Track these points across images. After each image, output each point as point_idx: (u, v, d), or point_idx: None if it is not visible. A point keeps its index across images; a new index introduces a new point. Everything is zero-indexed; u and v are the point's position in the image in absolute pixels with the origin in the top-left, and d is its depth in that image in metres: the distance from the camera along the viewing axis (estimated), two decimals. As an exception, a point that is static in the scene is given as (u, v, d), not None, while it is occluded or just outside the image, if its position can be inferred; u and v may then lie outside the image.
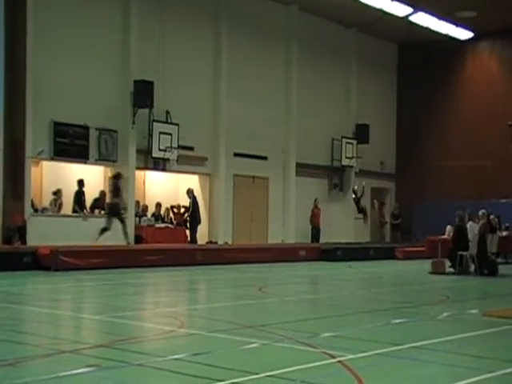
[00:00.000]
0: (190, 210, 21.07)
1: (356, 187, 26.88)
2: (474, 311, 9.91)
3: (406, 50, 30.04)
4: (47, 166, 19.16)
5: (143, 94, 19.79)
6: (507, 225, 22.55)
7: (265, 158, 24.72)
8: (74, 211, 18.79)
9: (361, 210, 26.83)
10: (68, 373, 5.43)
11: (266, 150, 24.66)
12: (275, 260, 19.62)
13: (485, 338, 7.65)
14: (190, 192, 21.23)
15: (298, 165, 25.57)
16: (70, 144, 18.89)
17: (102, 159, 19.69)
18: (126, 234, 17.17)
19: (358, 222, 27.66)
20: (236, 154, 23.61)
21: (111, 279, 14.10)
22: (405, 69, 30.18)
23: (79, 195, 18.92)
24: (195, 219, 21.13)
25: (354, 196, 26.73)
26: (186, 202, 21.66)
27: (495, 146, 27.54)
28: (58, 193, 18.48)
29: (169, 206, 21.62)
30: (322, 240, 25.07)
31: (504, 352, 6.84)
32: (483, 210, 17.75)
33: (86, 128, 19.28)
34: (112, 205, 17.03)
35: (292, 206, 25.28)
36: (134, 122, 20.06)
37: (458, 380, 5.45)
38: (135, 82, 19.92)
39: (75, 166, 19.50)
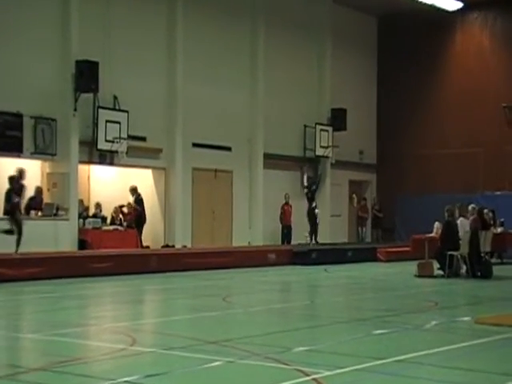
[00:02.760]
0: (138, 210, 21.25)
1: (306, 176, 25.70)
2: (465, 319, 10.07)
3: (386, 23, 30.26)
4: (-26, 161, 18.90)
5: (86, 76, 19.56)
6: (502, 220, 22.89)
7: (228, 149, 24.70)
8: (6, 213, 18.52)
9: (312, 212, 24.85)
10: (0, 401, 5.38)
11: (229, 140, 24.65)
12: (241, 265, 19.66)
13: (476, 349, 7.78)
14: (134, 190, 21.33)
15: (266, 156, 25.61)
16: (1, 135, 18.63)
17: (38, 152, 19.44)
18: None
19: (335, 220, 27.85)
20: (195, 145, 23.55)
21: (52, 291, 13.96)
22: (386, 45, 30.41)
23: (10, 194, 18.62)
24: (143, 220, 21.34)
25: (305, 186, 25.15)
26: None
27: (488, 131, 27.92)
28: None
29: (117, 205, 21.46)
30: (293, 241, 25.18)
31: (497, 364, 6.96)
32: (473, 205, 18.01)
33: (19, 116, 18.99)
34: None
35: (259, 202, 25.31)
36: (75, 109, 19.83)
37: (446, 397, 5.54)
38: (77, 62, 19.68)
39: (7, 160, 19.21)
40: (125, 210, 21.40)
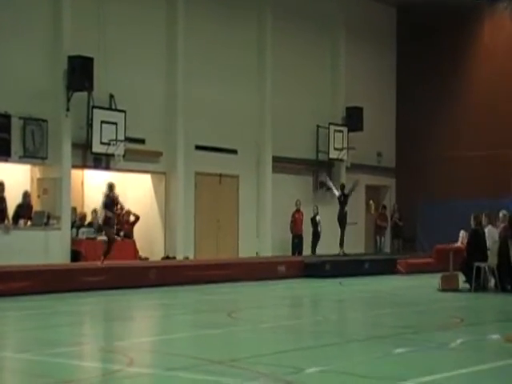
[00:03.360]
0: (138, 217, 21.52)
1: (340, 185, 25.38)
2: (493, 336, 10.07)
3: (406, 14, 30.27)
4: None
5: (80, 73, 19.65)
6: (534, 229, 22.80)
7: (234, 152, 24.74)
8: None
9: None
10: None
11: (235, 142, 24.68)
12: (248, 278, 19.66)
13: (505, 370, 7.74)
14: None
15: (275, 159, 25.65)
16: (-13, 137, 18.75)
17: (27, 156, 19.51)
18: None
19: (351, 228, 27.77)
20: (198, 147, 23.60)
21: (41, 307, 13.99)
22: (406, 38, 30.41)
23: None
24: None
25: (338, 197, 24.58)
26: (135, 207, 21.63)
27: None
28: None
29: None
30: (305, 252, 25.17)
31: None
32: (504, 211, 17.95)
33: (6, 117, 19.07)
34: None
35: (268, 210, 25.33)
36: (68, 109, 19.92)
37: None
38: (70, 58, 19.78)
39: (-6, 165, 19.34)
40: (132, 218, 21.46)
